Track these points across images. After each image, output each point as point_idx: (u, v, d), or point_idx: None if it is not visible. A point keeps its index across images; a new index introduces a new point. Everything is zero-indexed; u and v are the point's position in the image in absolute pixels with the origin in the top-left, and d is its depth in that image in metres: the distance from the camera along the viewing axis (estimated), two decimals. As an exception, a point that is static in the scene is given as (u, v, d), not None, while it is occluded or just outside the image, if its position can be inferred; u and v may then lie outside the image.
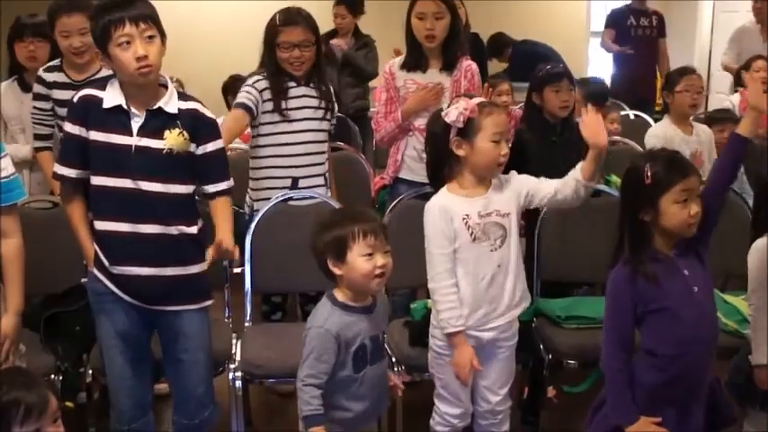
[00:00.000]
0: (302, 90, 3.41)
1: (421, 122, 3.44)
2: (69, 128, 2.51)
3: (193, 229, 2.55)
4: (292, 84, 3.39)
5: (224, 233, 2.54)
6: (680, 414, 2.36)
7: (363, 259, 2.26)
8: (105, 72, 3.34)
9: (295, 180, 3.40)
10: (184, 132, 2.48)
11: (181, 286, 2.54)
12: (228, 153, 2.79)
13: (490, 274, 2.58)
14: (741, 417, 2.74)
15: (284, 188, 3.39)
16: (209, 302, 2.65)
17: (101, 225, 2.51)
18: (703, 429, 2.41)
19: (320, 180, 3.46)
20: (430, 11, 3.47)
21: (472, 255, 2.56)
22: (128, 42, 2.38)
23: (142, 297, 2.53)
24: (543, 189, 2.67)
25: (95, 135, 2.46)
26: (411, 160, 3.56)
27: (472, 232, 2.55)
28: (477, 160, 2.57)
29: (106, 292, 2.54)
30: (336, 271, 2.30)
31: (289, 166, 3.39)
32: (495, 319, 2.61)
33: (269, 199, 3.36)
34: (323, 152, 3.49)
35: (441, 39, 3.51)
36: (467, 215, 2.55)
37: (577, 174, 2.64)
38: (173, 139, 2.47)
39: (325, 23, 3.59)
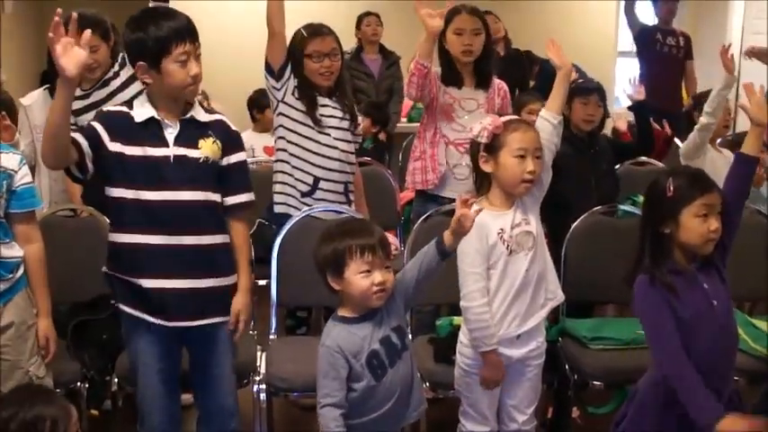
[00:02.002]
0: (326, 101, 3.44)
1: (457, 137, 3.47)
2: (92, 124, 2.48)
3: (229, 238, 2.58)
4: (318, 95, 3.43)
5: (241, 298, 2.59)
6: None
7: (360, 276, 2.24)
8: (111, 73, 3.43)
9: (317, 179, 3.41)
10: (218, 141, 2.51)
11: (216, 298, 2.55)
12: (253, 167, 2.82)
13: (521, 280, 2.58)
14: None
15: (306, 186, 3.40)
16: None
17: (130, 238, 2.48)
18: None
19: (340, 188, 3.46)
20: (468, 27, 3.51)
21: (509, 267, 2.56)
22: (185, 61, 2.40)
23: (177, 314, 2.50)
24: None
25: (123, 148, 2.44)
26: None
27: (508, 245, 2.56)
28: (502, 176, 2.58)
29: (139, 321, 2.53)
30: (335, 286, 2.29)
31: (313, 164, 3.40)
32: (526, 323, 2.60)
33: (290, 196, 3.41)
34: (348, 162, 3.48)
35: (477, 54, 3.53)
36: (501, 229, 2.56)
37: (543, 111, 2.71)
38: (208, 148, 2.49)
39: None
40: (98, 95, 3.45)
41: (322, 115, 3.40)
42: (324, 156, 3.40)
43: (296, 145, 3.40)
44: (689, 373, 2.27)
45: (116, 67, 3.45)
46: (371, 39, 5.98)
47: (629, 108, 4.06)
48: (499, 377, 2.58)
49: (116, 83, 3.44)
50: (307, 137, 3.39)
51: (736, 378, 2.63)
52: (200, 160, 2.48)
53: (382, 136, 5.55)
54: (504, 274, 2.57)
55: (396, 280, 2.34)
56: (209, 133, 2.51)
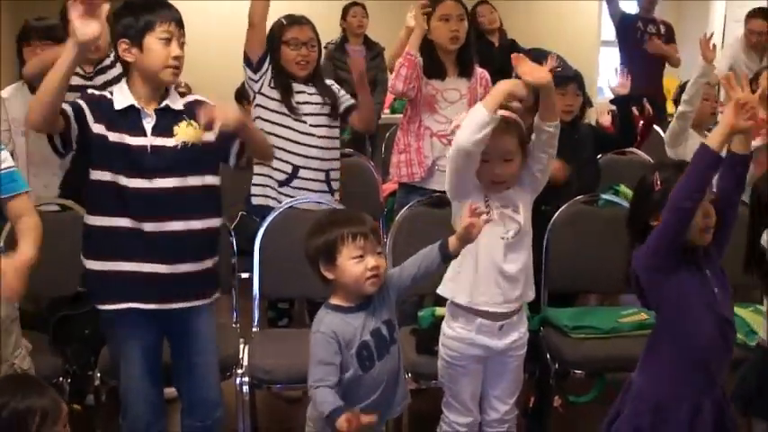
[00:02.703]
0: (303, 88, 3.46)
1: (440, 128, 3.49)
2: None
3: (212, 222, 2.57)
4: (293, 82, 3.45)
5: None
6: (693, 411, 2.33)
7: (353, 262, 2.24)
8: (109, 61, 3.40)
9: (296, 168, 3.42)
10: (193, 122, 2.48)
11: (194, 283, 2.54)
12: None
13: (493, 261, 2.54)
14: (745, 429, 2.72)
15: (283, 175, 3.42)
16: (217, 294, 2.69)
17: (109, 222, 2.48)
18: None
19: (321, 176, 3.48)
20: (454, 12, 3.53)
21: (483, 235, 2.43)
22: (168, 40, 2.41)
23: (154, 298, 2.51)
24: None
25: (106, 132, 2.45)
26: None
27: (490, 213, 2.51)
28: (478, 175, 2.56)
29: (119, 313, 2.52)
30: (328, 275, 2.28)
31: (291, 152, 3.42)
32: (497, 305, 2.57)
33: (267, 186, 3.43)
34: (328, 148, 3.50)
35: (463, 41, 3.54)
36: (487, 198, 2.54)
37: (538, 121, 2.57)
38: (183, 132, 2.48)
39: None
40: (97, 81, 3.42)
41: (298, 102, 3.42)
42: (301, 143, 3.42)
43: (272, 134, 3.41)
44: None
45: (113, 57, 3.42)
46: (357, 31, 5.96)
47: (612, 101, 4.08)
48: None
49: (114, 72, 3.41)
50: (283, 125, 3.41)
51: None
52: (178, 147, 2.47)
53: None
54: (476, 242, 2.45)
55: (391, 275, 2.35)
56: (183, 117, 2.49)
